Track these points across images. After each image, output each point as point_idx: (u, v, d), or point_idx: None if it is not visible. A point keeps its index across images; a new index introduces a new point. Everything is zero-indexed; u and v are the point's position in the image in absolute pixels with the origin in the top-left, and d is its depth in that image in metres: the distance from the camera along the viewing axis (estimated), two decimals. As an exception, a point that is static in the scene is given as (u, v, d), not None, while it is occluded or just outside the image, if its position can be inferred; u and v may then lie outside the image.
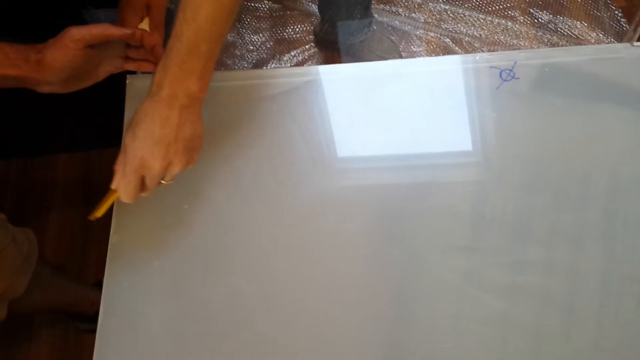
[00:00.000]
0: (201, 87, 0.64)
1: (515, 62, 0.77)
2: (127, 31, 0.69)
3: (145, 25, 0.79)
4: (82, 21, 0.97)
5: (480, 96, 0.76)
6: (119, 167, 0.64)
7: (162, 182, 0.66)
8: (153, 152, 0.62)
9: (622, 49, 0.77)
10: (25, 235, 0.89)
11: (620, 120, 0.73)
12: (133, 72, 0.81)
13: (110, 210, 0.74)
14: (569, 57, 0.77)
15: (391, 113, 0.77)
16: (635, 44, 0.77)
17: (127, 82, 0.82)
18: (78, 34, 0.65)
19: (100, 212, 0.67)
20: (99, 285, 1.19)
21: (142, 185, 0.64)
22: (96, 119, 1.28)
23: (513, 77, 0.76)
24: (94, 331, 0.68)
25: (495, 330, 0.64)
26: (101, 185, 1.43)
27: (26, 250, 0.87)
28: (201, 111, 0.66)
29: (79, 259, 1.33)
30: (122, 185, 0.64)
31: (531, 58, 0.77)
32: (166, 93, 0.62)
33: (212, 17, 0.62)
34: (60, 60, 0.65)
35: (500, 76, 0.76)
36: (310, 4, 1.59)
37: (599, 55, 0.77)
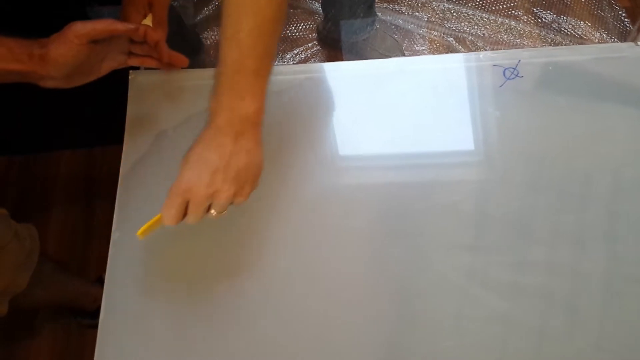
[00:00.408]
0: (256, 110, 0.61)
1: (519, 61, 0.77)
2: (131, 26, 0.69)
3: (148, 21, 0.79)
4: (85, 18, 0.96)
5: (483, 94, 0.76)
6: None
7: (211, 212, 0.62)
8: (200, 177, 0.60)
9: (626, 48, 0.77)
10: (27, 231, 0.89)
11: (624, 120, 0.73)
12: (136, 68, 0.81)
13: (112, 206, 0.74)
14: (573, 56, 0.77)
15: (395, 111, 0.77)
16: (640, 43, 0.77)
17: (129, 77, 0.82)
18: (82, 29, 0.65)
19: (143, 230, 0.64)
20: (100, 281, 1.20)
21: (185, 212, 0.62)
22: (98, 115, 1.28)
23: (517, 75, 0.76)
24: (95, 327, 0.68)
25: (497, 329, 0.64)
26: (103, 182, 1.43)
27: (28, 246, 0.87)
28: (261, 140, 0.63)
29: (80, 255, 1.33)
30: (165, 207, 0.61)
31: (535, 57, 0.77)
32: (221, 120, 0.60)
33: (255, 31, 0.59)
34: (64, 55, 0.65)
35: (504, 74, 0.76)
36: (313, 2, 1.59)
37: (603, 55, 0.77)
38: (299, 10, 1.59)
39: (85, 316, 1.18)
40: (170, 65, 0.77)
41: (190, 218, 0.62)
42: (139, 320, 0.67)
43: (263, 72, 0.61)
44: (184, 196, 0.60)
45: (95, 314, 1.14)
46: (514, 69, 0.76)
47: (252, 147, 0.62)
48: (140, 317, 0.67)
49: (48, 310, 1.25)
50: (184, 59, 0.77)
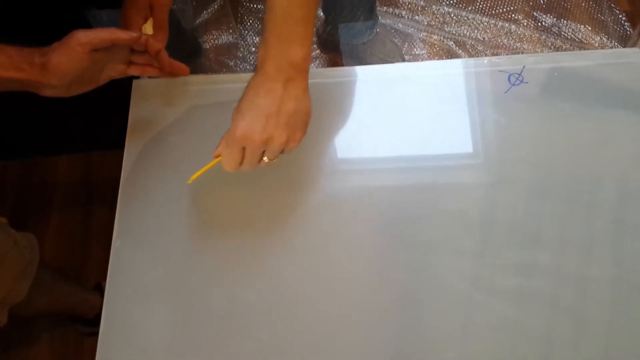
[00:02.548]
0: (304, 56, 0.62)
1: (524, 67, 0.76)
2: (133, 35, 0.68)
3: (149, 25, 0.78)
4: (84, 22, 0.96)
5: (488, 100, 0.75)
6: (223, 137, 0.65)
7: (265, 159, 0.65)
8: (253, 123, 0.61)
9: (631, 54, 0.77)
10: (27, 239, 0.88)
11: (630, 126, 0.73)
12: (136, 77, 0.81)
13: (110, 212, 0.73)
14: (578, 62, 0.76)
15: (399, 116, 0.76)
16: (645, 48, 0.76)
17: (133, 83, 0.81)
18: (85, 38, 0.64)
19: (196, 175, 0.69)
20: (98, 288, 1.19)
21: (242, 159, 0.64)
22: (97, 120, 1.28)
23: (522, 81, 0.75)
24: (93, 334, 0.67)
25: (503, 337, 0.64)
26: (101, 188, 1.42)
27: (28, 255, 0.86)
28: (308, 86, 0.64)
29: (78, 261, 1.32)
30: (224, 155, 0.64)
31: (540, 62, 0.77)
32: (269, 67, 0.62)
33: None
34: (66, 63, 0.64)
35: (509, 80, 0.76)
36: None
37: (608, 60, 0.76)
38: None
39: (83, 324, 1.17)
40: (171, 74, 0.76)
41: (247, 165, 0.65)
42: (139, 329, 0.66)
43: (310, 19, 0.62)
44: (241, 143, 0.62)
45: (93, 321, 1.13)
46: (519, 74, 0.76)
47: (301, 94, 0.63)
48: (141, 326, 0.67)
49: (46, 319, 1.24)
50: (184, 68, 0.77)
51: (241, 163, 0.65)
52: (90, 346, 0.65)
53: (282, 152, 0.65)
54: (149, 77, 0.80)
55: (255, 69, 0.63)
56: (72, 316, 1.16)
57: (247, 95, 0.63)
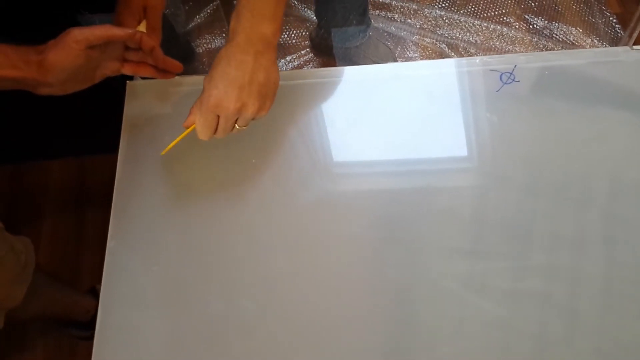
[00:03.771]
0: (274, 32, 0.66)
1: (516, 66, 0.77)
2: (129, 31, 0.69)
3: (142, 27, 0.78)
4: (77, 26, 0.96)
5: (480, 99, 0.75)
6: (195, 106, 0.68)
7: (236, 126, 0.68)
8: (227, 92, 0.64)
9: (621, 53, 0.77)
10: (23, 244, 0.87)
11: (621, 124, 0.73)
12: (129, 78, 0.81)
13: (103, 215, 0.73)
14: (569, 61, 0.77)
15: (391, 117, 0.76)
16: (635, 47, 0.77)
17: (127, 84, 0.81)
18: (81, 35, 0.65)
19: (170, 147, 0.73)
20: (93, 292, 1.18)
21: (216, 126, 0.67)
22: (89, 124, 1.27)
23: (513, 80, 0.76)
24: (88, 338, 0.67)
25: (497, 335, 0.64)
26: (94, 192, 1.42)
27: (24, 259, 0.86)
28: (276, 58, 0.68)
29: (72, 265, 1.31)
30: (199, 123, 0.67)
31: (531, 61, 0.77)
32: (241, 38, 0.65)
33: None
34: (62, 61, 0.64)
35: (501, 79, 0.76)
36: (305, 9, 1.59)
37: (599, 59, 0.77)
38: (292, 18, 1.59)
39: (77, 328, 1.16)
40: (164, 73, 0.76)
41: (221, 132, 0.68)
42: (135, 333, 0.66)
43: None
44: (215, 111, 0.66)
45: (87, 325, 1.12)
46: (511, 73, 0.76)
47: (270, 65, 0.67)
48: (136, 330, 0.66)
49: (40, 323, 1.23)
50: (178, 65, 0.77)
51: (215, 131, 0.68)
52: (85, 350, 0.64)
53: (252, 119, 0.69)
54: (143, 79, 0.80)
55: (226, 40, 0.66)
56: (66, 320, 1.16)
57: (219, 66, 0.65)
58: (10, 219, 1.37)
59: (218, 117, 0.66)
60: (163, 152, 0.73)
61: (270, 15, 0.65)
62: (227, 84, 0.64)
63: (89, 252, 1.32)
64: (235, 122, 0.68)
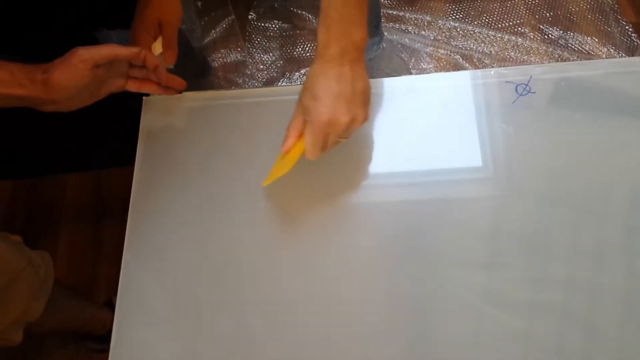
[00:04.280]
0: (363, 37, 0.65)
1: (531, 77, 0.76)
2: (134, 50, 0.70)
3: (158, 44, 0.79)
4: (94, 43, 0.97)
5: (496, 111, 0.75)
6: (294, 129, 0.66)
7: (339, 140, 0.68)
8: (337, 108, 0.63)
9: (638, 63, 0.76)
10: (41, 257, 0.88)
11: (639, 134, 0.72)
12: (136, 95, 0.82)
13: (120, 227, 0.73)
14: (585, 71, 0.76)
15: (406, 129, 0.76)
16: (653, 57, 0.76)
17: (143, 100, 0.82)
18: (87, 54, 0.65)
19: (271, 179, 0.71)
20: (109, 304, 1.18)
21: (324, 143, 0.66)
22: (106, 139, 1.29)
23: (529, 91, 0.75)
24: (104, 351, 0.67)
25: (515, 348, 0.63)
26: (111, 205, 1.43)
27: (43, 273, 0.87)
28: (365, 65, 0.67)
29: (89, 277, 1.32)
30: (311, 144, 0.65)
31: (547, 72, 0.76)
32: (334, 51, 0.63)
33: None
34: (68, 80, 0.65)
35: (516, 91, 0.76)
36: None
37: (615, 69, 0.76)
38: (305, 31, 1.60)
39: (94, 341, 1.17)
40: (167, 89, 0.77)
41: (329, 148, 0.67)
42: (150, 346, 0.66)
43: (364, 3, 0.65)
44: (327, 130, 0.64)
45: (104, 338, 1.13)
46: (526, 85, 0.76)
47: (363, 73, 0.66)
48: (151, 343, 0.67)
49: (57, 336, 1.24)
50: (181, 82, 0.78)
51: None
52: (102, 363, 0.65)
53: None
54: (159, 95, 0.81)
55: (316, 55, 0.65)
56: (83, 333, 1.16)
57: (318, 82, 0.64)
58: (29, 232, 1.39)
59: (327, 134, 0.65)
60: (265, 183, 0.71)
61: (358, 22, 0.64)
62: (335, 99, 0.63)
63: (106, 264, 1.33)
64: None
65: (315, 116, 0.63)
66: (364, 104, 0.65)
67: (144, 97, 0.82)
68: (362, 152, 0.76)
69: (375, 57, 1.46)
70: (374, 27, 1.41)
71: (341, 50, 0.63)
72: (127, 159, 0.80)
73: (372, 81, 0.80)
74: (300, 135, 0.66)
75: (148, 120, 0.81)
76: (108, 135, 1.20)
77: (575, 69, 0.77)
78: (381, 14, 1.41)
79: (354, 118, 0.64)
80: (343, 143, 0.69)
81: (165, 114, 0.81)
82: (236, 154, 0.76)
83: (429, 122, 0.76)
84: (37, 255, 0.87)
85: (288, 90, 0.82)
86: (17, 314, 0.81)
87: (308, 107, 0.64)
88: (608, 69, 0.76)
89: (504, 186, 0.71)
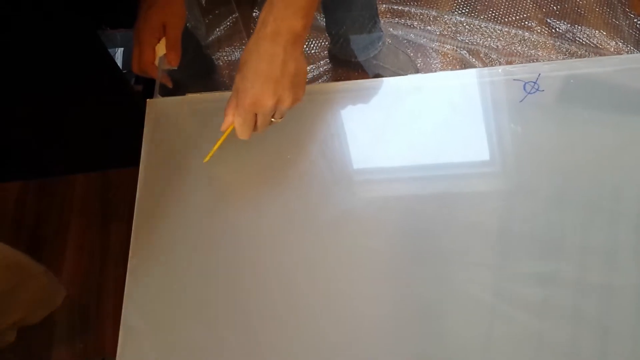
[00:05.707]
0: (304, 26, 0.65)
1: (540, 75, 0.75)
2: None
3: (162, 45, 0.79)
4: (98, 42, 0.97)
5: (504, 109, 0.74)
6: (230, 107, 0.68)
7: (273, 120, 0.69)
8: (263, 89, 0.65)
9: (648, 59, 0.75)
10: (56, 283, 0.89)
11: (650, 131, 0.71)
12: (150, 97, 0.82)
13: (127, 227, 0.73)
14: (594, 68, 0.75)
15: (414, 128, 0.75)
16: (663, 52, 0.75)
17: (147, 102, 0.82)
18: None
19: (211, 153, 0.73)
20: None
21: (255, 124, 0.68)
22: (113, 139, 1.28)
23: (537, 89, 0.74)
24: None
25: (526, 348, 0.62)
26: (119, 204, 1.43)
27: (52, 289, 0.87)
28: (303, 50, 0.68)
29: (97, 278, 1.33)
30: (238, 124, 0.67)
31: (555, 70, 0.75)
32: (270, 29, 0.64)
33: None
34: None
35: (524, 89, 0.75)
36: (323, 19, 1.59)
37: (625, 66, 0.75)
38: (310, 28, 1.59)
39: None
40: None
41: (260, 128, 0.69)
42: (156, 349, 0.66)
43: None
44: (252, 110, 0.66)
45: None
46: (535, 82, 0.75)
47: (298, 56, 0.67)
48: (157, 346, 0.67)
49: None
50: None
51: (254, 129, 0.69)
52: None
53: (288, 110, 0.69)
54: (162, 96, 0.81)
55: (254, 31, 0.65)
56: None
57: (250, 62, 0.65)
58: (36, 232, 1.40)
59: (256, 114, 0.67)
60: (206, 159, 0.74)
61: (303, 10, 0.64)
62: (262, 80, 0.64)
63: (114, 265, 1.33)
64: (272, 115, 0.69)
65: (242, 96, 0.66)
66: (293, 85, 0.66)
67: (147, 100, 0.82)
68: (368, 152, 0.75)
69: (379, 54, 1.45)
70: (372, 24, 1.40)
71: (277, 31, 0.64)
72: (133, 159, 0.80)
73: (377, 81, 0.80)
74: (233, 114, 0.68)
75: (152, 123, 0.80)
76: (115, 134, 1.20)
77: (585, 66, 0.76)
78: (384, 10, 1.40)
79: (280, 100, 0.66)
80: (279, 124, 0.70)
81: (169, 116, 0.81)
82: (240, 155, 0.76)
83: (436, 122, 0.75)
84: (53, 276, 0.88)
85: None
86: (18, 317, 0.82)
87: (237, 86, 0.66)
88: (618, 65, 0.75)
89: (513, 186, 0.70)
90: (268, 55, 0.64)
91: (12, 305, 0.81)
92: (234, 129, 0.69)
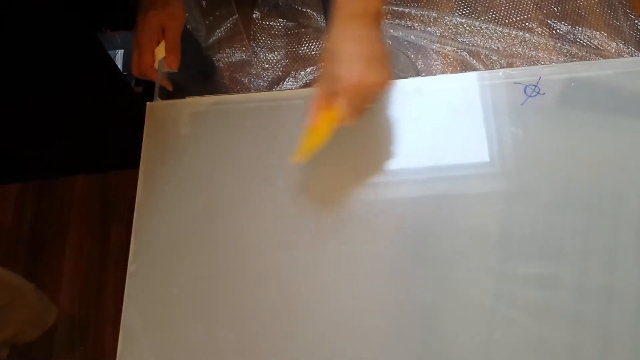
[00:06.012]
0: (379, 7, 0.63)
1: (540, 78, 0.75)
2: None
3: (161, 48, 0.79)
4: (97, 44, 0.97)
5: (505, 113, 0.74)
6: (319, 101, 0.65)
7: (369, 105, 0.67)
8: (368, 69, 0.62)
9: (650, 62, 0.75)
10: (48, 303, 0.88)
11: (652, 135, 0.71)
12: (151, 99, 0.81)
13: (127, 228, 0.73)
14: (596, 71, 0.75)
15: (414, 132, 0.75)
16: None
17: (147, 105, 0.81)
18: None
19: (303, 154, 0.69)
20: None
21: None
22: (113, 140, 1.28)
23: (538, 92, 0.74)
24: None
25: (527, 352, 0.62)
26: (119, 206, 1.43)
27: (45, 307, 0.87)
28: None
29: (97, 280, 1.32)
30: (347, 110, 0.63)
31: (556, 73, 0.75)
32: (357, 11, 0.62)
33: None
34: None
35: (525, 92, 0.74)
36: (325, 21, 1.59)
37: (627, 69, 0.75)
38: (311, 30, 1.59)
39: None
40: None
41: (358, 114, 0.65)
42: (156, 353, 0.66)
43: None
44: (360, 93, 0.63)
45: None
46: (535, 86, 0.74)
47: (381, 37, 0.64)
48: (157, 350, 0.66)
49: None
50: None
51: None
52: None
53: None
54: (162, 99, 0.81)
55: (336, 16, 0.63)
56: None
57: (342, 47, 0.62)
58: (36, 234, 1.39)
59: (362, 97, 0.64)
60: (297, 159, 0.70)
61: None
62: (363, 61, 0.61)
63: (113, 266, 1.33)
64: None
65: (347, 80, 0.62)
66: (385, 66, 0.63)
67: (147, 103, 0.82)
68: (369, 154, 0.75)
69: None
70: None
71: (365, 12, 0.62)
72: (134, 160, 0.79)
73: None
74: (326, 106, 0.65)
75: (151, 127, 0.80)
76: (114, 136, 1.20)
77: (586, 69, 0.75)
78: (385, 11, 1.40)
79: (383, 80, 0.63)
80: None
81: (169, 120, 0.80)
82: (241, 159, 0.76)
83: (436, 125, 0.75)
84: (44, 295, 0.87)
85: (293, 94, 0.81)
86: (9, 334, 0.82)
87: (336, 73, 0.63)
88: (619, 68, 0.75)
89: (513, 189, 0.70)
90: (357, 38, 0.62)
91: (4, 321, 0.80)
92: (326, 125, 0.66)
